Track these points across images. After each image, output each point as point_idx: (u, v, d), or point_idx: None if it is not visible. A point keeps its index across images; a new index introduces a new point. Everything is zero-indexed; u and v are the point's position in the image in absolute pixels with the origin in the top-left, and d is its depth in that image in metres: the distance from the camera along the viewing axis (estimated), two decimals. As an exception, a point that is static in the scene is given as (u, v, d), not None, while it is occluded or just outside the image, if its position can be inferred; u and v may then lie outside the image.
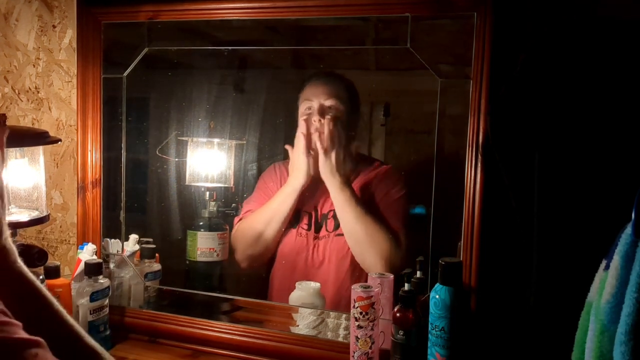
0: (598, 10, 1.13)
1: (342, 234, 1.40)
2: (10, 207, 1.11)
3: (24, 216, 1.12)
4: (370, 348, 1.13)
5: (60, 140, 1.17)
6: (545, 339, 1.14)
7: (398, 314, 1.11)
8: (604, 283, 0.74)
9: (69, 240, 1.62)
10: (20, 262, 0.74)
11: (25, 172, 1.15)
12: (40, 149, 1.17)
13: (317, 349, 1.25)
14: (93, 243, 1.38)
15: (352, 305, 1.14)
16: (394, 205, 1.40)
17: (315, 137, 1.39)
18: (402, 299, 1.11)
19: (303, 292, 1.33)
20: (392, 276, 1.23)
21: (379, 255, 1.34)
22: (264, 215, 1.46)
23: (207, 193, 1.51)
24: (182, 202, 1.59)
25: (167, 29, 1.43)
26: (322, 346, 1.25)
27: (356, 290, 1.13)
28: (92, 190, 1.44)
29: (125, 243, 1.46)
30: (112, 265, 1.43)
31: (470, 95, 1.14)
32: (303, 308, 1.32)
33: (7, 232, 0.74)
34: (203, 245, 1.48)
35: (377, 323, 1.15)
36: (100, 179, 1.44)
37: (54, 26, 1.57)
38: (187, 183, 1.53)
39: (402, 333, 1.11)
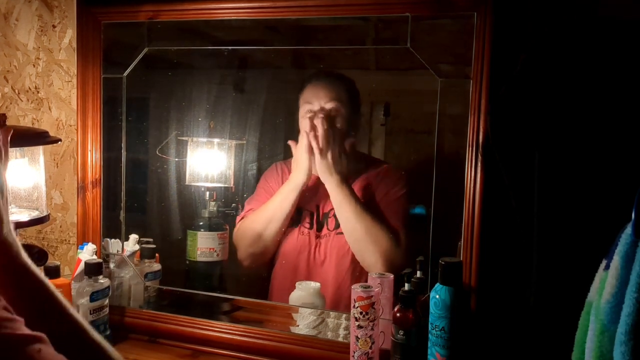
0: (599, 10, 1.13)
1: (343, 233, 1.40)
2: (10, 207, 1.11)
3: (24, 216, 1.12)
4: (371, 348, 1.13)
5: (60, 140, 1.17)
6: (545, 339, 1.14)
7: (398, 314, 1.11)
8: (604, 283, 0.74)
9: (69, 240, 1.62)
10: (23, 256, 0.74)
11: (25, 172, 1.14)
12: (40, 149, 1.17)
13: (317, 349, 1.25)
14: (93, 243, 1.38)
15: (352, 305, 1.14)
16: (394, 204, 1.40)
17: (311, 136, 1.39)
18: (402, 299, 1.11)
19: (303, 292, 1.33)
20: (392, 276, 1.23)
21: (378, 254, 1.34)
22: (266, 213, 1.46)
23: (207, 193, 1.51)
24: (182, 202, 1.59)
25: (167, 29, 1.43)
26: (322, 346, 1.25)
27: (356, 290, 1.13)
28: (92, 190, 1.44)
29: (125, 243, 1.46)
30: (112, 265, 1.43)
31: (470, 95, 1.14)
32: (303, 308, 1.32)
33: (10, 226, 0.73)
34: (203, 245, 1.48)
35: (377, 323, 1.15)
36: (100, 179, 1.44)
37: (53, 26, 1.57)
38: (187, 183, 1.53)
39: (402, 333, 1.11)
